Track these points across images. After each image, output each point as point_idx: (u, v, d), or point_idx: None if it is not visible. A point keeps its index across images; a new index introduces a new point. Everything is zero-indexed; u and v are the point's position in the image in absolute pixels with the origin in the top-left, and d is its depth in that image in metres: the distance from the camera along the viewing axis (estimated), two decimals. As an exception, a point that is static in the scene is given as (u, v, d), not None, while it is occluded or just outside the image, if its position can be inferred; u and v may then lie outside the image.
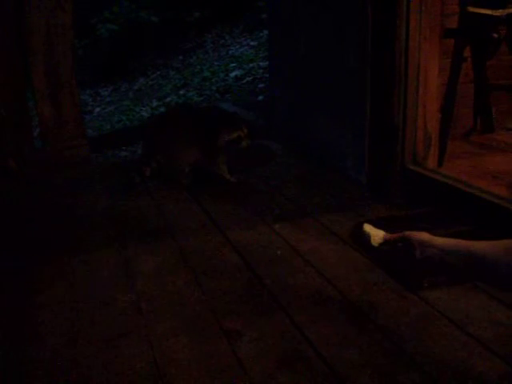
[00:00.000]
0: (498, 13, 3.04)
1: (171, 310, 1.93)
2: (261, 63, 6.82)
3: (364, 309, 1.87)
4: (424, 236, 1.51)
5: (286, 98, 3.96)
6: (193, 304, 1.96)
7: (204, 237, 2.52)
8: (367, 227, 1.78)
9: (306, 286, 2.04)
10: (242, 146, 3.21)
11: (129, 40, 8.92)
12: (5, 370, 1.68)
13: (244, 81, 6.53)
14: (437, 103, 2.78)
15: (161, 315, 1.89)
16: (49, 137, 3.78)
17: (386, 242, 1.67)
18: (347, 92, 3.09)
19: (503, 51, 3.49)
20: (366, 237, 1.76)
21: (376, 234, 1.74)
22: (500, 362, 1.56)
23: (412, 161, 2.76)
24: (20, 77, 3.67)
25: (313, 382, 1.53)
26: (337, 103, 3.22)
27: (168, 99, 6.86)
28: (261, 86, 5.97)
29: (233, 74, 6.85)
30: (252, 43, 8.12)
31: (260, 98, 5.49)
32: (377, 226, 1.97)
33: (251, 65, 7.01)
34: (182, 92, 7.01)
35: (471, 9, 3.05)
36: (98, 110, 7.52)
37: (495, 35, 3.36)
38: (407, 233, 1.58)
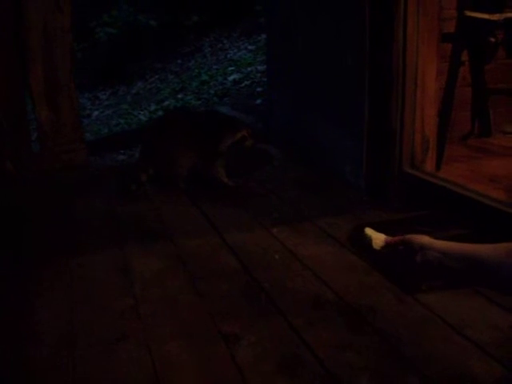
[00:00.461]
0: (496, 17, 3.06)
1: (169, 313, 1.93)
2: (259, 67, 6.82)
3: (362, 312, 1.88)
4: (424, 239, 1.52)
5: (285, 102, 3.97)
6: (191, 308, 1.96)
7: (202, 240, 2.52)
8: (368, 231, 1.78)
9: (304, 290, 2.04)
10: (246, 145, 3.21)
11: (127, 44, 8.93)
12: (1, 373, 1.67)
13: (242, 84, 6.53)
14: (434, 107, 2.78)
15: (159, 319, 1.89)
16: (47, 140, 3.78)
17: (387, 245, 1.68)
18: (345, 95, 3.10)
19: (500, 55, 3.50)
20: (368, 240, 1.76)
21: (377, 238, 1.74)
22: (497, 366, 1.56)
23: (410, 164, 2.76)
24: (18, 80, 3.67)
25: (311, 386, 1.53)
26: (335, 107, 3.23)
27: (166, 103, 6.87)
28: (259, 89, 5.97)
29: (231, 78, 6.86)
30: (250, 47, 8.13)
31: (258, 101, 5.49)
32: (377, 229, 1.97)
33: (249, 68, 7.01)
34: (180, 96, 7.01)
35: (469, 13, 3.06)
36: (96, 113, 7.52)
37: (492, 39, 3.37)
38: (408, 236, 1.58)
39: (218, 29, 9.40)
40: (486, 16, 3.07)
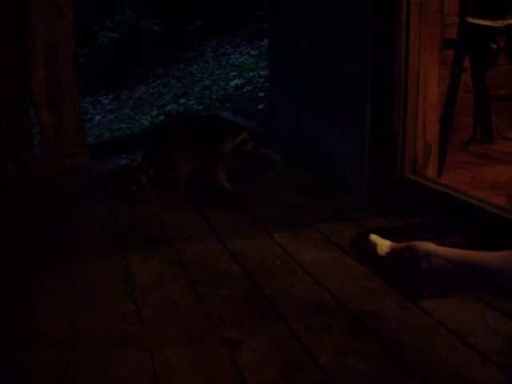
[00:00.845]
0: (497, 24, 3.07)
1: (170, 318, 1.92)
2: (261, 72, 6.84)
3: (363, 318, 1.87)
4: (429, 246, 1.53)
5: (286, 107, 3.97)
6: (192, 313, 1.96)
7: (203, 245, 2.52)
8: (373, 237, 1.78)
9: (305, 296, 2.04)
10: (248, 148, 3.22)
11: (130, 48, 8.95)
12: (2, 375, 1.67)
13: (244, 90, 6.54)
14: (436, 113, 2.79)
15: (160, 324, 1.89)
16: (49, 144, 3.79)
17: (392, 252, 1.68)
18: (347, 101, 3.10)
19: (502, 62, 3.51)
20: (372, 246, 1.77)
21: (382, 244, 1.74)
22: (498, 373, 1.55)
23: (412, 170, 2.76)
24: (20, 83, 3.68)
25: (312, 392, 1.53)
26: (337, 112, 3.23)
27: (168, 108, 6.88)
28: (261, 94, 5.98)
29: (233, 83, 6.87)
30: (252, 52, 8.14)
31: (260, 106, 5.50)
32: (379, 235, 1.97)
33: (251, 74, 7.03)
34: (182, 100, 7.02)
35: (471, 20, 3.07)
36: (98, 117, 7.53)
37: (494, 46, 3.38)
38: (413, 243, 1.59)
39: (220, 34, 9.42)
40: (487, 23, 3.08)
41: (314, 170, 3.51)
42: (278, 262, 2.32)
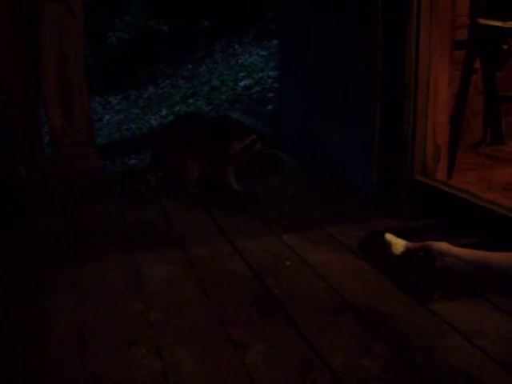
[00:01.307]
0: (509, 25, 3.05)
1: (179, 319, 1.93)
2: (270, 73, 6.83)
3: (374, 320, 1.87)
4: (444, 246, 1.54)
5: (295, 108, 3.97)
6: (201, 314, 1.96)
7: (213, 246, 2.52)
8: (389, 236, 1.79)
9: (314, 297, 2.04)
10: (256, 149, 3.22)
11: (139, 49, 8.97)
12: (10, 375, 1.68)
13: (253, 90, 6.54)
14: (447, 114, 2.77)
15: (169, 325, 1.89)
16: (59, 144, 3.81)
17: (407, 251, 1.69)
18: (356, 102, 3.09)
19: (513, 63, 3.49)
20: (387, 245, 1.77)
21: (397, 243, 1.75)
22: (509, 377, 1.55)
23: (421, 172, 2.75)
24: (31, 84, 3.69)
25: (321, 394, 1.53)
26: (346, 113, 3.23)
27: (177, 108, 6.89)
28: (270, 95, 5.98)
29: (242, 84, 6.87)
30: (261, 53, 8.14)
31: (269, 107, 5.50)
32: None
33: (260, 74, 7.02)
34: (191, 101, 7.03)
35: (481, 21, 3.05)
36: (107, 117, 7.55)
37: (505, 47, 3.36)
38: (428, 242, 1.60)
39: (229, 34, 9.43)
40: (498, 23, 3.06)
41: (323, 170, 3.51)
42: (287, 262, 2.32)
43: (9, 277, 2.32)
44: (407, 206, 2.77)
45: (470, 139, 3.53)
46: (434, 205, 2.66)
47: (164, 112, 6.89)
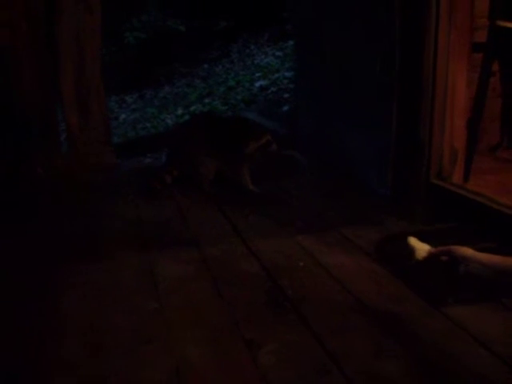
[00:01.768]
0: (528, 28, 3.01)
1: (193, 318, 1.93)
2: (286, 73, 6.82)
3: (387, 323, 1.86)
4: (468, 251, 1.53)
5: (311, 109, 3.96)
6: (214, 313, 1.97)
7: (227, 246, 2.53)
8: (412, 241, 1.78)
9: (327, 298, 2.04)
10: (271, 149, 3.22)
11: (155, 48, 9.00)
12: (26, 371, 1.69)
13: (269, 91, 6.53)
14: (464, 118, 2.75)
15: (183, 324, 1.90)
16: (75, 142, 3.83)
17: (430, 256, 1.68)
18: (373, 104, 3.08)
19: (532, 66, 3.45)
20: (410, 251, 1.76)
21: (421, 248, 1.74)
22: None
23: (437, 175, 2.74)
24: (49, 82, 3.72)
25: (334, 396, 1.52)
26: (362, 114, 3.21)
27: (193, 107, 6.90)
28: (286, 96, 5.97)
29: (258, 84, 6.86)
30: (277, 53, 8.13)
31: (285, 108, 5.49)
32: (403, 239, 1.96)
33: (276, 75, 7.02)
34: (206, 101, 7.04)
35: (500, 23, 3.02)
36: (123, 116, 7.58)
37: (525, 50, 3.32)
38: (452, 247, 1.59)
39: (245, 34, 9.44)
40: (518, 26, 3.03)
41: (338, 172, 3.50)
42: (301, 264, 2.32)
43: (24, 274, 2.34)
44: (422, 209, 2.75)
45: (487, 142, 3.50)
46: (449, 208, 2.64)
47: (180, 111, 6.90)
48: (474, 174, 2.90)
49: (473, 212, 2.51)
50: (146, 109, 7.61)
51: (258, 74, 7.33)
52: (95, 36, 3.75)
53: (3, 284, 2.26)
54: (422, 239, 1.80)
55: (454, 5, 2.56)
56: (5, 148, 3.63)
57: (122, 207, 3.12)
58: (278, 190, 3.31)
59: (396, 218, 2.77)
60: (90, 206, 3.18)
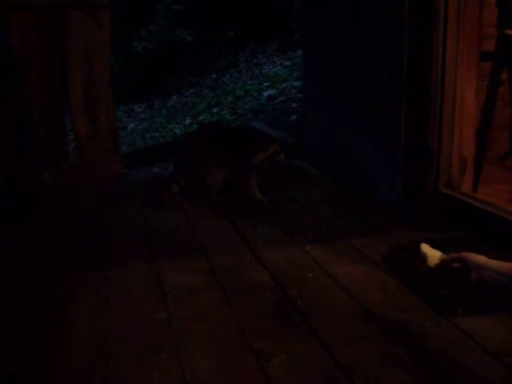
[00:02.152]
0: (537, 36, 3.01)
1: (202, 328, 1.93)
2: (294, 83, 6.84)
3: (397, 334, 1.85)
4: (481, 258, 1.51)
5: (319, 119, 3.96)
6: (223, 323, 1.96)
7: (236, 256, 2.52)
8: (424, 248, 1.77)
9: (337, 308, 2.03)
10: (279, 159, 3.23)
11: (164, 58, 9.05)
12: (29, 380, 1.69)
13: (277, 100, 6.55)
14: (473, 127, 2.75)
15: (191, 333, 1.89)
16: (84, 151, 3.85)
17: (442, 263, 1.66)
18: (381, 114, 3.08)
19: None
20: (422, 257, 1.75)
21: (433, 255, 1.73)
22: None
23: (446, 184, 2.73)
24: (58, 92, 3.75)
25: (343, 407, 1.51)
26: (370, 124, 3.21)
27: (201, 117, 6.92)
28: (294, 105, 5.98)
29: (266, 94, 6.88)
30: (285, 63, 8.16)
31: (293, 117, 5.50)
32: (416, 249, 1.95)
33: (284, 84, 7.03)
34: (215, 110, 7.06)
35: (509, 32, 3.02)
36: (131, 126, 7.61)
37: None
38: (464, 254, 1.57)
39: (253, 44, 9.47)
40: (526, 35, 3.03)
41: (347, 182, 3.49)
42: (311, 274, 2.31)
43: (33, 284, 2.34)
44: (432, 218, 2.74)
45: (496, 152, 3.48)
46: (459, 218, 2.63)
47: (188, 121, 6.92)
48: (483, 183, 2.89)
49: (482, 221, 2.50)
50: (155, 118, 7.64)
51: (266, 84, 7.35)
52: (104, 48, 3.78)
53: (11, 293, 2.26)
54: (434, 247, 1.79)
55: (462, 13, 2.56)
56: (13, 154, 3.65)
57: (129, 216, 3.13)
58: (287, 200, 3.30)
59: (405, 227, 2.75)
60: (98, 215, 3.18)
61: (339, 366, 1.67)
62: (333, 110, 3.70)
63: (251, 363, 1.72)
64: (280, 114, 5.84)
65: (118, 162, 3.95)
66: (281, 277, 2.29)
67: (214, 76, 8.96)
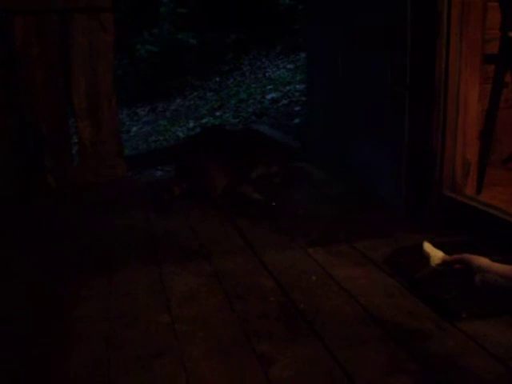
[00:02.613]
0: (541, 39, 3.00)
1: (205, 332, 1.92)
2: (297, 86, 6.84)
3: (401, 338, 1.84)
4: (483, 261, 1.50)
5: (322, 121, 3.96)
6: (226, 327, 1.96)
7: (239, 259, 2.52)
8: (427, 247, 1.76)
9: (340, 312, 2.02)
10: (275, 182, 3.25)
11: (167, 61, 9.05)
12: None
13: (280, 103, 6.54)
14: (476, 129, 2.74)
15: (194, 337, 1.89)
16: (87, 155, 3.86)
17: (444, 263, 1.65)
18: (385, 116, 3.07)
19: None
20: (425, 256, 1.74)
21: (435, 255, 1.72)
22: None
23: (450, 187, 2.72)
24: (61, 95, 3.76)
25: (347, 412, 1.51)
26: (374, 127, 3.21)
27: (204, 120, 6.92)
28: (297, 108, 5.98)
29: (269, 97, 6.88)
30: (289, 66, 8.15)
31: (296, 120, 5.49)
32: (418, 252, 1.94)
33: (288, 87, 7.03)
34: (218, 113, 7.06)
35: (512, 34, 3.01)
36: (135, 129, 7.62)
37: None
38: (467, 256, 1.56)
39: (256, 47, 9.48)
40: (530, 37, 3.02)
41: (350, 184, 3.49)
42: (314, 277, 2.30)
43: (36, 287, 2.34)
44: (435, 221, 2.73)
45: (499, 154, 3.47)
46: (462, 221, 2.62)
47: (191, 124, 6.93)
48: (487, 185, 2.88)
49: (486, 224, 2.49)
50: (158, 121, 7.64)
51: (269, 87, 7.35)
52: (108, 51, 3.79)
53: (14, 295, 2.27)
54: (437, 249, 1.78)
55: (465, 16, 2.56)
56: (17, 159, 3.66)
57: (132, 220, 3.13)
58: (289, 202, 3.30)
59: (408, 229, 2.74)
60: (101, 217, 3.19)
61: (342, 370, 1.67)
62: (336, 112, 3.70)
63: (255, 367, 1.71)
64: (283, 117, 5.84)
65: (121, 166, 3.96)
66: (284, 280, 2.28)
67: (217, 79, 8.97)
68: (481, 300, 1.89)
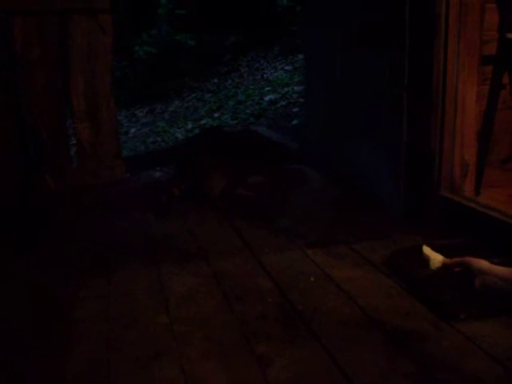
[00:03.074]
0: (538, 40, 3.00)
1: (203, 333, 1.92)
2: (295, 87, 6.84)
3: (400, 339, 1.84)
4: (483, 264, 1.49)
5: (321, 123, 3.96)
6: (225, 328, 1.96)
7: (237, 260, 2.52)
8: (426, 250, 1.76)
9: (338, 313, 2.02)
10: (264, 191, 3.27)
11: (165, 62, 9.06)
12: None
13: (278, 105, 6.55)
14: (475, 130, 2.74)
15: (193, 338, 1.89)
16: (85, 156, 3.85)
17: (443, 267, 1.65)
18: (383, 117, 3.08)
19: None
20: (425, 259, 1.75)
21: (435, 258, 1.72)
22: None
23: (448, 189, 2.72)
24: (61, 97, 3.75)
25: (345, 412, 1.51)
26: (372, 129, 3.21)
27: (203, 121, 6.92)
28: (295, 110, 5.98)
29: (267, 98, 6.88)
30: (287, 67, 8.16)
31: (294, 122, 5.50)
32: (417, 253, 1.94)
33: (286, 89, 7.04)
34: (216, 115, 7.07)
35: (510, 35, 3.02)
36: (133, 130, 7.61)
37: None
38: (467, 259, 1.56)
39: (254, 49, 9.49)
40: (528, 39, 3.02)
41: (349, 186, 3.49)
42: (312, 278, 2.30)
43: (35, 288, 2.34)
44: (434, 222, 2.73)
45: (497, 155, 3.47)
46: (461, 222, 2.62)
47: (190, 125, 6.93)
48: (485, 186, 2.88)
49: (484, 225, 2.49)
50: (156, 123, 7.64)
51: (267, 88, 7.36)
52: (106, 53, 3.80)
53: (14, 297, 2.26)
54: (435, 251, 1.79)
55: (463, 17, 2.57)
56: (16, 161, 3.66)
57: (131, 221, 3.13)
58: (288, 204, 3.30)
59: (407, 231, 2.74)
60: (100, 219, 3.19)
61: (341, 371, 1.67)
62: (334, 113, 3.70)
63: (253, 368, 1.71)
64: (281, 119, 5.85)
65: (119, 167, 3.95)
66: (282, 281, 2.28)
67: (215, 80, 8.97)
68: (479, 301, 1.89)
